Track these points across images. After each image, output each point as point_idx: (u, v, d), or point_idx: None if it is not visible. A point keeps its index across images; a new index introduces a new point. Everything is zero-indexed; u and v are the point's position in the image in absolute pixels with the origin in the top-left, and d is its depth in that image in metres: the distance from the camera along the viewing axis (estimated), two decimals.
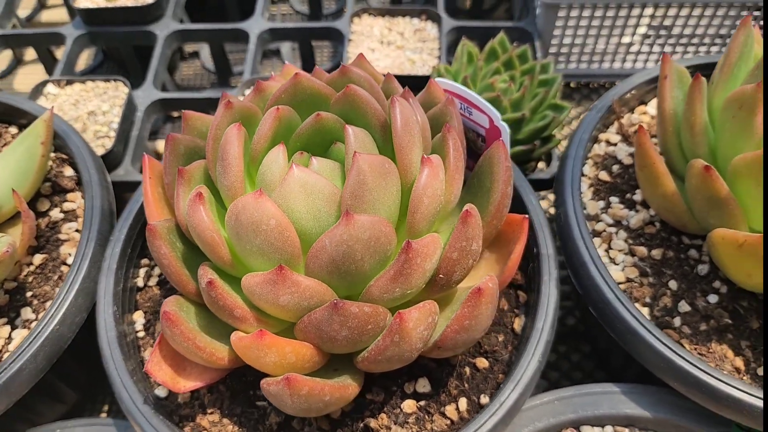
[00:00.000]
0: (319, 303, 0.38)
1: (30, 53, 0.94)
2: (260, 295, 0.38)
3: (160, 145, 0.84)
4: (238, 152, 0.40)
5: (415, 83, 0.72)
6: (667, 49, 0.78)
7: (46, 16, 0.95)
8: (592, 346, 0.63)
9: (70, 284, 0.49)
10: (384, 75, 0.48)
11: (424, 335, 0.38)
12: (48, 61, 0.85)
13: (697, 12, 0.73)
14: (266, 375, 0.40)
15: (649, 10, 0.73)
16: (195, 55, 0.94)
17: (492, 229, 0.44)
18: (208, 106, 0.73)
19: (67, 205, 0.55)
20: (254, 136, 0.43)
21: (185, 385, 0.42)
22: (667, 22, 0.75)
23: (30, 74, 0.92)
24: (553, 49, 0.78)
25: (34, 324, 0.49)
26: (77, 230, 0.54)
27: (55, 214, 0.54)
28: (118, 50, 0.84)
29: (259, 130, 0.43)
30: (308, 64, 0.84)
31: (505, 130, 0.48)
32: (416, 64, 0.73)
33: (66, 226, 0.54)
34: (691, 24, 0.74)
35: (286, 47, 0.92)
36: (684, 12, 0.73)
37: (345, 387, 0.39)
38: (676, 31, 0.75)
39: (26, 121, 0.60)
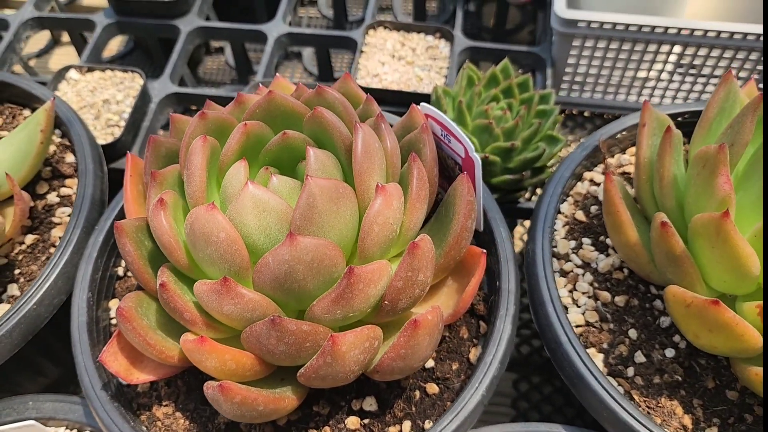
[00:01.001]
0: (261, 316, 0.39)
1: (66, 35, 0.98)
2: (207, 302, 0.40)
3: None
4: (201, 163, 0.42)
5: (418, 100, 0.73)
6: (685, 87, 0.76)
7: (87, 0, 0.99)
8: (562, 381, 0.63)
9: (52, 267, 0.51)
10: (366, 96, 0.49)
11: (360, 359, 0.39)
12: (80, 45, 0.89)
13: (716, 53, 0.71)
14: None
15: (666, 47, 0.72)
16: (220, 50, 0.97)
17: (450, 260, 0.45)
18: (222, 102, 0.75)
19: (64, 190, 0.58)
20: (223, 148, 0.45)
21: (138, 377, 0.44)
22: (685, 61, 0.73)
23: (65, 55, 0.96)
24: (567, 77, 0.77)
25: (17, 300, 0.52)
26: (69, 215, 0.57)
27: (52, 197, 0.57)
28: (146, 41, 0.87)
29: (228, 143, 0.44)
30: (324, 71, 0.85)
31: (478, 162, 0.49)
32: (423, 82, 0.73)
33: (60, 210, 0.57)
34: (709, 64, 0.73)
35: (307, 51, 0.94)
36: (702, 52, 0.71)
37: (281, 399, 0.41)
38: (695, 69, 0.74)
39: (38, 106, 0.63)
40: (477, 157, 0.49)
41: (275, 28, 0.80)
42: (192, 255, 0.42)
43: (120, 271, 0.54)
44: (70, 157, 0.60)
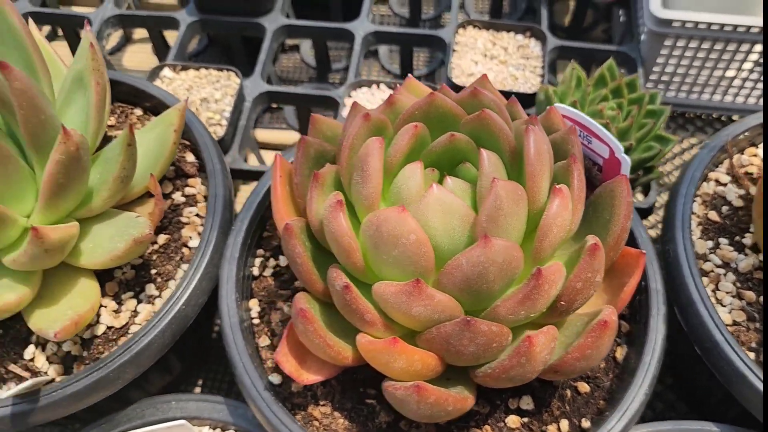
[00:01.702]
0: (448, 317, 0.40)
1: (138, 32, 0.98)
2: (393, 303, 0.40)
3: (260, 134, 0.87)
4: (378, 166, 0.42)
5: (519, 100, 0.73)
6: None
7: None
8: (675, 379, 0.64)
9: (195, 267, 0.52)
10: (510, 98, 0.50)
11: (546, 359, 0.40)
12: (158, 43, 0.88)
13: None
14: (379, 375, 0.42)
15: (758, 47, 0.73)
16: (295, 48, 0.97)
17: (608, 261, 0.46)
18: (310, 101, 0.76)
19: (188, 190, 0.58)
20: (389, 149, 0.45)
21: (308, 377, 0.44)
22: None
23: (137, 53, 0.95)
24: (653, 76, 0.78)
25: (157, 300, 0.53)
26: (197, 215, 0.57)
27: (177, 197, 0.57)
28: (225, 38, 0.86)
29: (395, 145, 0.45)
30: (407, 69, 0.86)
31: (627, 162, 0.49)
32: (519, 81, 0.74)
33: (187, 209, 0.57)
34: None
35: (383, 49, 0.94)
36: None
37: (464, 399, 0.41)
38: None
39: (150, 104, 0.63)
40: (626, 158, 0.50)
41: (361, 27, 0.80)
42: (368, 257, 0.42)
43: (255, 271, 0.54)
44: (190, 156, 0.60)
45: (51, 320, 0.46)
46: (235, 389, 0.66)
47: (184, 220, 0.56)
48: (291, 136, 0.87)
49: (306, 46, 0.96)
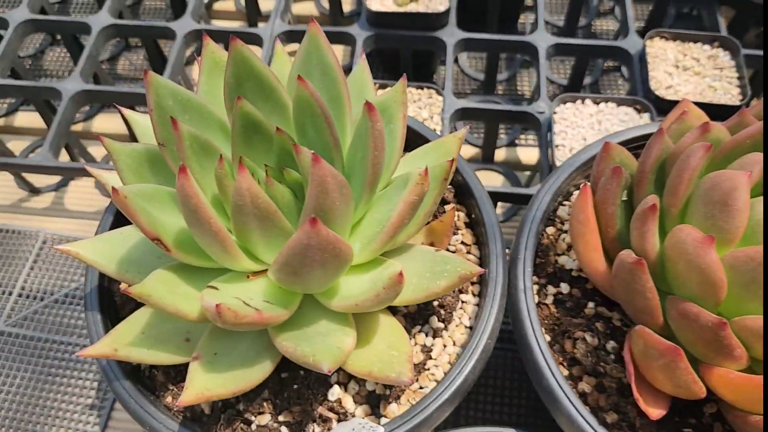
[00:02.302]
0: None
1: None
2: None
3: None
4: (746, 199, 0.42)
5: (723, 113, 0.73)
6: None
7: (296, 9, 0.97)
8: None
9: (492, 298, 0.51)
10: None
11: None
12: None
13: None
14: (695, 404, 0.42)
15: None
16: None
17: None
18: (505, 117, 0.75)
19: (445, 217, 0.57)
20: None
21: (655, 412, 0.44)
22: None
23: None
24: None
25: (444, 333, 0.52)
26: (462, 242, 0.56)
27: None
28: (391, 52, 0.85)
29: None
30: (576, 81, 0.85)
31: None
32: (718, 92, 0.73)
33: (453, 237, 0.56)
34: None
35: (462, 56, 0.94)
36: None
37: None
38: None
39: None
40: None
41: (542, 39, 0.80)
42: (733, 292, 0.42)
43: (534, 298, 0.54)
44: None
45: (382, 361, 0.45)
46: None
47: (450, 248, 0.56)
48: None
49: (463, 58, 0.95)
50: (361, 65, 0.52)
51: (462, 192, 0.58)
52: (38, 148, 0.88)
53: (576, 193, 0.59)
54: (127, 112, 0.51)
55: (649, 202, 0.46)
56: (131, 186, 0.42)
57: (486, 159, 0.83)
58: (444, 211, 0.58)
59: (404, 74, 0.48)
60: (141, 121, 0.51)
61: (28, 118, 0.90)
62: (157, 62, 0.94)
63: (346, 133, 0.47)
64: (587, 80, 0.92)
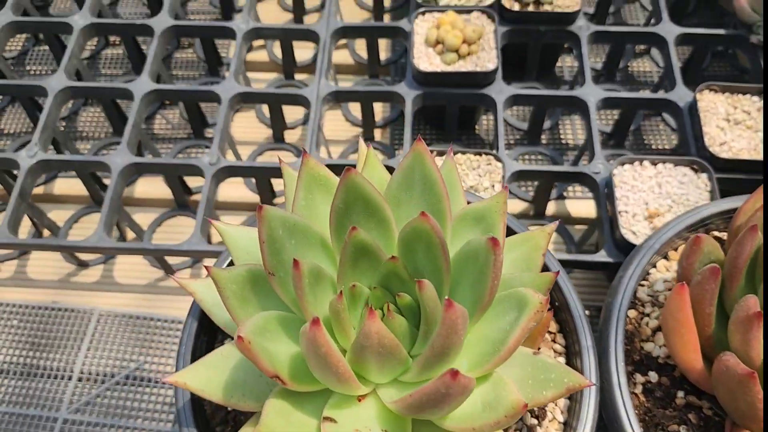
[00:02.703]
0: None
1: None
2: None
3: None
4: None
5: None
6: None
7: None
8: None
9: (588, 396, 0.51)
10: None
11: None
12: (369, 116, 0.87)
13: None
14: None
15: None
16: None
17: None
18: (560, 177, 0.75)
19: None
20: None
21: None
22: None
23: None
24: None
25: (538, 429, 0.52)
26: (547, 330, 0.56)
27: None
28: (440, 109, 0.85)
29: None
30: (623, 130, 0.85)
31: None
32: None
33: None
34: None
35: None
36: None
37: None
38: None
39: None
40: None
41: (592, 93, 0.80)
42: None
43: None
44: None
45: None
46: None
47: None
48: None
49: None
50: (450, 163, 0.52)
51: None
52: (83, 217, 0.87)
53: (653, 271, 0.60)
54: (219, 225, 0.50)
55: (752, 308, 0.46)
56: (249, 326, 0.41)
57: (537, 214, 0.83)
58: None
59: (506, 186, 0.48)
60: (232, 233, 0.51)
61: (67, 186, 0.89)
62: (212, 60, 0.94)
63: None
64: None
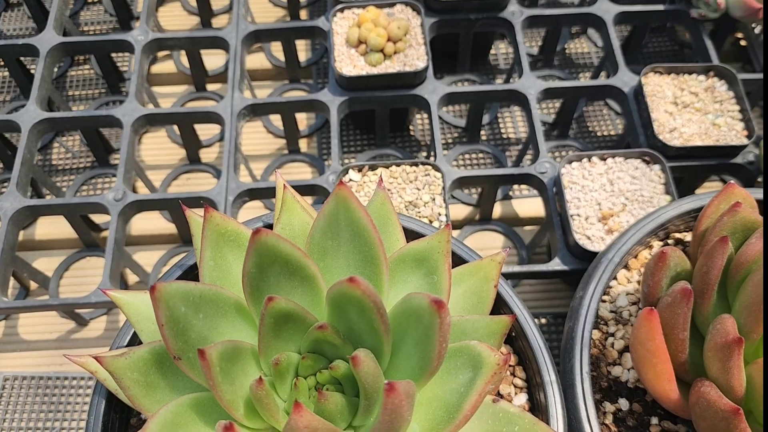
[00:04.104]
0: None
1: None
2: None
3: None
4: None
5: (730, 153, 0.70)
6: None
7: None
8: None
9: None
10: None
11: None
12: (292, 126, 0.79)
13: None
14: None
15: None
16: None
17: None
18: (494, 181, 0.69)
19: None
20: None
21: None
22: None
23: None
24: None
25: None
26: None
27: None
28: (370, 112, 0.78)
29: None
30: (566, 121, 0.80)
31: None
32: (722, 129, 0.70)
33: None
34: None
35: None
36: None
37: None
38: None
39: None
40: None
41: (531, 85, 0.74)
42: None
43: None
44: None
45: None
46: None
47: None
48: None
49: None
50: (381, 196, 0.45)
51: (496, 304, 0.53)
52: None
53: (613, 283, 0.55)
54: (114, 295, 0.42)
55: (731, 333, 0.41)
56: (155, 426, 0.34)
57: (483, 219, 0.78)
58: None
59: (448, 224, 0.41)
60: (133, 302, 0.43)
61: None
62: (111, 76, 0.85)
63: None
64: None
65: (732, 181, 0.50)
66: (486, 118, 0.86)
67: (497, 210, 0.79)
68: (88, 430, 0.47)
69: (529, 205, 0.79)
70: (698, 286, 0.46)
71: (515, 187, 0.82)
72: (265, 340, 0.38)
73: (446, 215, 0.63)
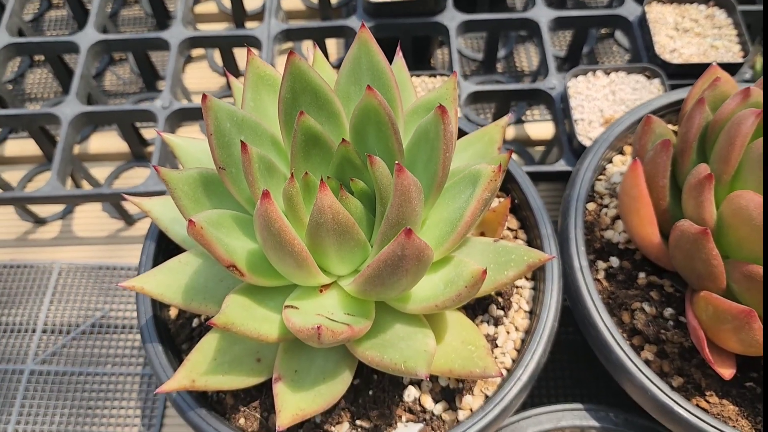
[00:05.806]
0: None
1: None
2: None
3: None
4: None
5: (726, 70, 0.74)
6: None
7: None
8: None
9: (551, 282, 0.52)
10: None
11: None
12: None
13: None
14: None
15: None
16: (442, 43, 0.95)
17: None
18: (506, 97, 0.75)
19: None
20: None
21: (728, 372, 0.46)
22: None
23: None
24: None
25: (504, 320, 0.52)
26: (507, 228, 0.57)
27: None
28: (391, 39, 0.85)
29: None
30: (576, 52, 0.86)
31: None
32: (720, 51, 0.75)
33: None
34: None
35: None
36: None
37: None
38: None
39: None
40: None
41: (542, 14, 0.80)
42: None
43: None
44: None
45: (462, 358, 0.45)
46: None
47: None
48: None
49: (459, 39, 0.95)
50: (399, 63, 0.51)
51: (504, 181, 0.58)
52: (37, 176, 0.85)
53: (609, 166, 0.60)
54: (166, 136, 0.49)
55: (702, 172, 0.47)
56: (202, 216, 0.41)
57: None
58: None
59: (455, 71, 0.47)
60: (183, 144, 0.50)
61: (18, 147, 0.87)
62: (148, 75, 0.92)
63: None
64: (503, 53, 0.93)
65: (714, 63, 0.56)
66: (502, 53, 0.92)
67: (510, 132, 0.85)
68: (141, 267, 0.54)
69: (539, 127, 0.85)
70: (679, 147, 0.51)
71: (527, 112, 0.87)
72: (296, 159, 0.44)
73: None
